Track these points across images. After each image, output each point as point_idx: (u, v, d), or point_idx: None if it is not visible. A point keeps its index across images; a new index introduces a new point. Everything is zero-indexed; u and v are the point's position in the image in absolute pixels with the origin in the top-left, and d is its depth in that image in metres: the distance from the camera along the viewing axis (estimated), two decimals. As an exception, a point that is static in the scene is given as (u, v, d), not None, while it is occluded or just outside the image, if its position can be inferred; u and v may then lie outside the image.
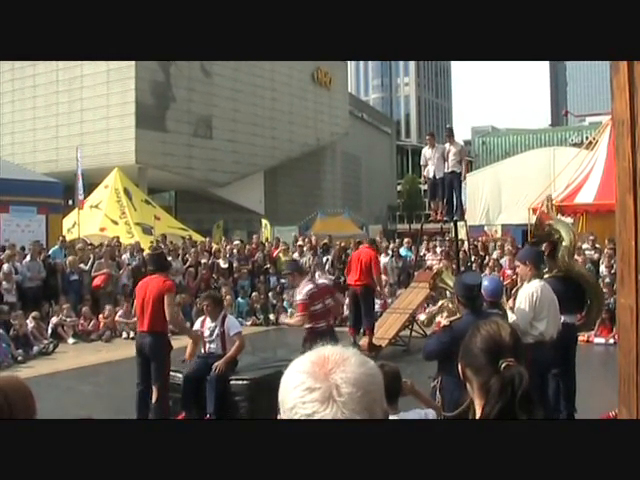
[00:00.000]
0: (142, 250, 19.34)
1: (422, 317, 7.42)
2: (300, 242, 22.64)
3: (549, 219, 8.44)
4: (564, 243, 8.08)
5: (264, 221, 32.30)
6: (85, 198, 24.19)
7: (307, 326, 8.51)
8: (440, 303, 6.92)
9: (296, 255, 20.95)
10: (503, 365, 2.18)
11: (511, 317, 6.79)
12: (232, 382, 7.91)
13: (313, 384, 1.35)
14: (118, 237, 20.79)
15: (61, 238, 18.91)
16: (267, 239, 27.00)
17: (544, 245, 8.52)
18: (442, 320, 5.89)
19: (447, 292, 7.22)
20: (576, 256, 15.22)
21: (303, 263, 20.70)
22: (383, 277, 17.77)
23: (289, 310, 18.27)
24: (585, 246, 17.56)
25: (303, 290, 8.45)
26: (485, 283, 6.60)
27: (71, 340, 15.09)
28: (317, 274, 19.72)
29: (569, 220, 21.28)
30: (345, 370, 1.37)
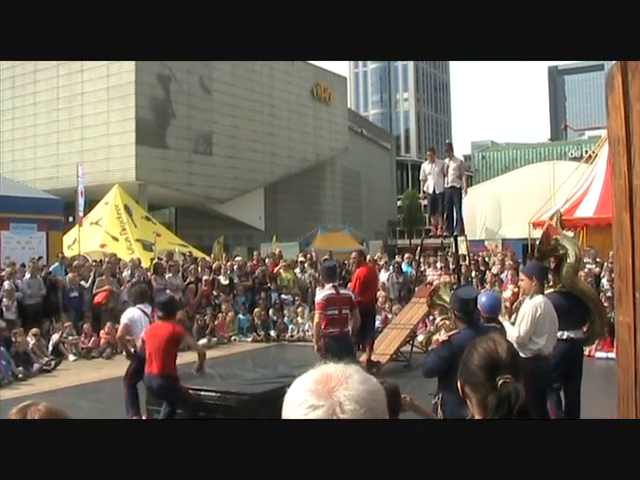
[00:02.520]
0: (142, 267, 19.37)
1: (420, 338, 7.44)
2: (301, 258, 22.65)
3: (556, 233, 8.41)
4: (569, 260, 8.08)
5: (274, 237, 32.28)
6: (85, 215, 24.21)
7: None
8: (437, 321, 6.93)
9: (297, 271, 20.97)
10: (500, 382, 2.20)
11: (509, 331, 6.80)
12: (234, 397, 7.91)
13: (316, 402, 1.36)
14: (115, 254, 20.77)
15: (60, 255, 18.88)
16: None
17: (550, 259, 8.52)
18: (441, 336, 5.88)
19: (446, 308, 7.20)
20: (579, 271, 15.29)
21: (303, 280, 20.77)
22: (383, 293, 17.81)
23: (290, 326, 18.28)
24: (586, 260, 17.56)
25: (322, 293, 9.08)
26: (482, 299, 6.60)
27: (72, 357, 15.06)
28: (317, 290, 19.76)
29: (570, 234, 21.33)
30: (348, 387, 1.38)
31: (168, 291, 8.87)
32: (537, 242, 9.18)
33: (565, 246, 8.22)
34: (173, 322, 8.11)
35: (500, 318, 7.14)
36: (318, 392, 1.37)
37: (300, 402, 1.38)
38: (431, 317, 16.50)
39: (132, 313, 9.23)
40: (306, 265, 21.51)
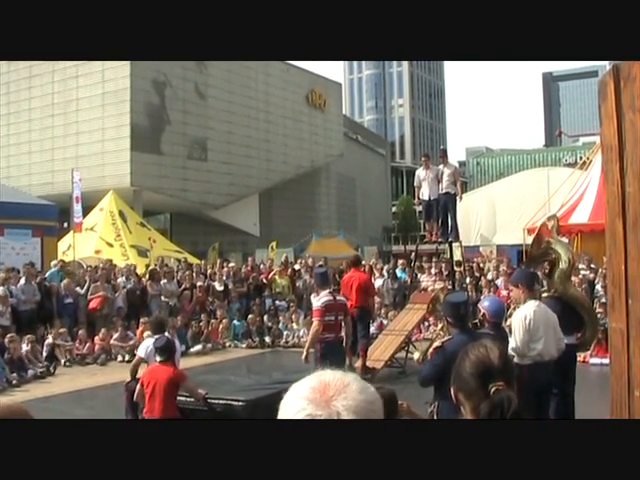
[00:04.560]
0: (137, 273, 19.35)
1: (416, 356, 7.38)
2: (297, 266, 22.62)
3: (549, 236, 8.41)
4: (561, 265, 8.09)
5: (273, 243, 32.25)
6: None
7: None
8: (433, 330, 6.96)
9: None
10: (492, 389, 2.20)
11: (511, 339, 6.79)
12: (228, 403, 7.89)
13: (314, 411, 1.35)
14: (111, 260, 20.74)
15: (60, 262, 18.74)
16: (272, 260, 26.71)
17: (544, 264, 8.52)
18: (437, 344, 5.88)
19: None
20: (572, 277, 15.34)
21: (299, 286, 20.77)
22: (377, 299, 17.80)
23: (285, 332, 18.26)
24: (581, 266, 17.59)
25: (321, 299, 9.08)
26: (486, 304, 6.59)
27: (62, 360, 15.00)
28: (312, 295, 19.75)
29: (564, 240, 21.35)
30: (347, 397, 1.37)
31: (167, 334, 8.73)
32: (530, 245, 9.19)
33: (557, 251, 8.22)
34: (172, 365, 7.97)
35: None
36: (316, 401, 1.36)
37: (297, 410, 1.37)
38: (426, 323, 16.55)
39: (151, 346, 8.65)
40: (302, 271, 21.51)
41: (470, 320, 5.94)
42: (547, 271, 8.41)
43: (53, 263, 18.48)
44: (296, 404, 1.38)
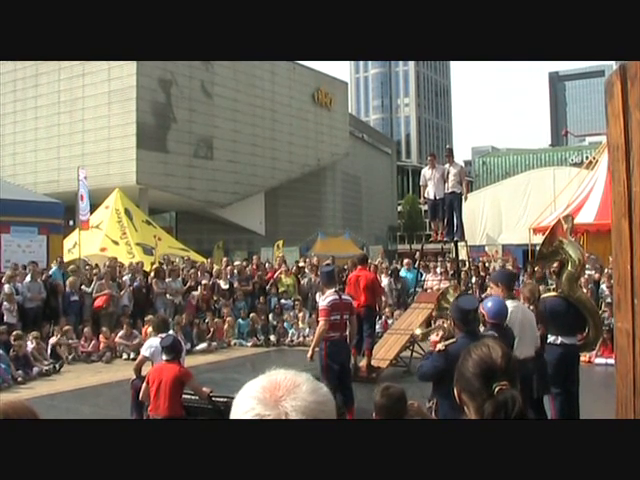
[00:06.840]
0: (143, 271, 19.35)
1: (417, 331, 7.49)
2: (302, 263, 22.63)
3: (563, 236, 8.37)
4: (569, 267, 8.07)
5: (279, 242, 32.33)
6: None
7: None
8: (438, 323, 6.93)
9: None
10: (496, 389, 2.19)
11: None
12: (230, 402, 7.90)
13: (263, 411, 1.35)
14: (116, 258, 20.72)
15: (59, 259, 18.75)
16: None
17: (553, 263, 8.51)
18: (436, 338, 5.88)
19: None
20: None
21: (304, 285, 20.77)
22: (383, 298, 17.79)
23: (290, 331, 18.27)
24: (586, 266, 17.55)
25: (327, 298, 9.07)
26: (489, 304, 6.55)
27: (71, 360, 15.04)
28: (317, 295, 19.76)
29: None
30: (296, 398, 1.37)
31: (173, 333, 8.79)
32: (542, 241, 9.13)
33: (568, 251, 8.19)
34: (178, 364, 7.96)
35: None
36: (265, 401, 1.37)
37: (247, 410, 1.38)
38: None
39: (155, 345, 8.65)
40: (307, 270, 21.51)
41: (477, 325, 5.92)
42: (556, 270, 8.40)
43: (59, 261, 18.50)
44: (246, 404, 1.39)
